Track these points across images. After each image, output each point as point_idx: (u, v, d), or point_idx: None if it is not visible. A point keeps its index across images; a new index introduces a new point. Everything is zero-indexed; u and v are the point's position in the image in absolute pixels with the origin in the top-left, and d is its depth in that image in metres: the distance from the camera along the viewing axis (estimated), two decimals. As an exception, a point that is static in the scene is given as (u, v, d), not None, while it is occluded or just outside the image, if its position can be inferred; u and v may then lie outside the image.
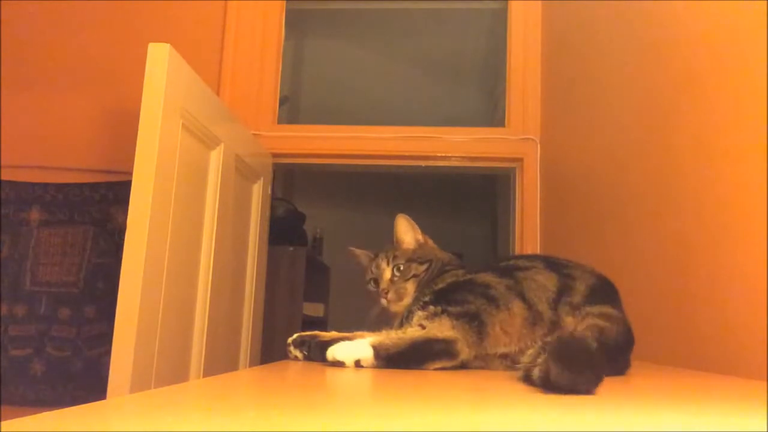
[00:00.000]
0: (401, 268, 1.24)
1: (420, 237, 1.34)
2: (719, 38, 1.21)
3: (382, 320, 1.24)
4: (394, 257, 1.27)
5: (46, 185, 2.60)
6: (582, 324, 0.94)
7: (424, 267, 1.25)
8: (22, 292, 2.51)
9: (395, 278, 1.24)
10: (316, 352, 0.99)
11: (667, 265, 1.38)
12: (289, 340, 1.06)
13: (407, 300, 1.22)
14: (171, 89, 1.71)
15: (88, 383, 2.41)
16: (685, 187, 1.31)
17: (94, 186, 2.60)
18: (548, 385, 0.64)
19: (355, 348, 0.88)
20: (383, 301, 1.24)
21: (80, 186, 2.60)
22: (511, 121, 2.69)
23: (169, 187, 1.72)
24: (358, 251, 1.39)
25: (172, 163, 1.74)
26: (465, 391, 0.72)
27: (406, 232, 1.33)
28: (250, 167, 2.39)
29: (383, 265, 1.27)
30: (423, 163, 2.77)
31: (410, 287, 1.23)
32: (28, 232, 2.57)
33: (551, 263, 1.07)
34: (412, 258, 1.26)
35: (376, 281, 1.27)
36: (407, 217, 1.34)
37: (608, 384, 0.81)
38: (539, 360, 0.68)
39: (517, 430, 0.43)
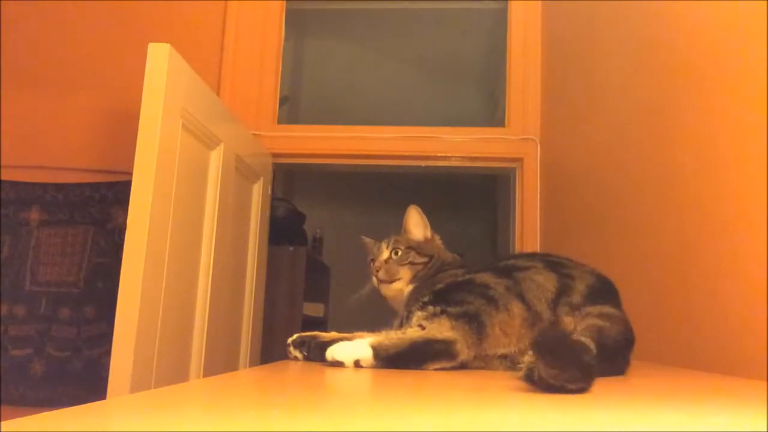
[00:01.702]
0: (399, 252, 1.27)
1: (428, 233, 1.36)
2: (719, 38, 1.21)
3: (377, 311, 1.25)
4: (396, 241, 1.30)
5: (46, 185, 2.60)
6: (581, 324, 0.94)
7: (423, 259, 1.26)
8: (22, 292, 2.51)
9: (391, 260, 1.27)
10: (316, 353, 0.99)
11: (667, 265, 1.38)
12: (289, 340, 1.06)
13: (399, 285, 1.24)
14: (171, 89, 1.71)
15: (88, 383, 2.41)
16: (685, 186, 1.31)
17: (94, 186, 2.60)
18: (538, 382, 0.64)
19: (354, 348, 0.88)
20: (374, 279, 1.27)
21: (80, 186, 2.60)
22: (511, 121, 2.69)
23: (169, 187, 1.72)
24: (367, 239, 1.41)
25: (172, 163, 1.74)
26: (465, 391, 0.72)
27: (417, 225, 1.35)
28: (250, 167, 2.39)
29: (383, 246, 1.30)
30: (423, 163, 2.77)
31: (404, 273, 1.25)
32: (28, 232, 2.57)
33: (550, 263, 1.07)
34: (414, 247, 1.28)
35: (374, 261, 1.30)
36: (420, 210, 1.35)
37: (608, 384, 0.81)
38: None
39: (517, 430, 0.43)
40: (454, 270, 1.24)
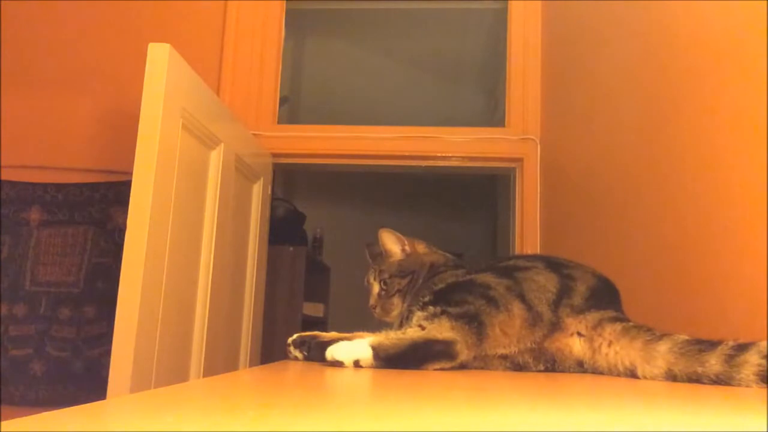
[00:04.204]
0: (387, 282, 1.30)
1: (407, 247, 1.35)
2: (719, 38, 1.21)
3: (382, 322, 1.27)
4: (380, 272, 1.32)
5: (46, 185, 2.60)
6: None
7: (405, 280, 1.28)
8: (22, 292, 2.51)
9: (382, 293, 1.30)
10: (316, 353, 0.99)
11: (667, 265, 1.38)
12: (289, 340, 1.06)
13: (396, 311, 1.28)
14: (171, 89, 1.71)
15: (88, 383, 2.41)
16: (685, 186, 1.32)
17: (94, 186, 2.60)
18: None
19: (354, 348, 0.88)
20: (374, 314, 1.30)
21: (80, 186, 2.60)
22: (511, 121, 2.69)
23: (169, 187, 1.72)
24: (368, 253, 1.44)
25: (172, 163, 1.73)
26: (465, 391, 0.72)
27: (394, 244, 1.36)
28: (250, 167, 2.39)
29: (371, 279, 1.33)
30: (423, 163, 2.77)
31: (396, 301, 1.28)
32: (28, 232, 2.57)
33: (551, 263, 1.07)
34: (396, 273, 1.30)
35: (369, 293, 1.33)
36: (391, 230, 1.36)
37: (608, 384, 0.81)
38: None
39: (517, 430, 0.43)
40: (453, 270, 1.24)
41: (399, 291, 1.28)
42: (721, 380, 0.75)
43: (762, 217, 1.01)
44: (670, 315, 1.34)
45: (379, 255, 1.36)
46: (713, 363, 0.76)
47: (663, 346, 0.82)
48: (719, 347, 0.77)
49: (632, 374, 0.86)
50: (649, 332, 0.87)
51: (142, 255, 1.57)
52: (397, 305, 1.27)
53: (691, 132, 1.30)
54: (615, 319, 0.93)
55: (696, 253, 1.25)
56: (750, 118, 1.07)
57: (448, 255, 1.36)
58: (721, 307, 1.14)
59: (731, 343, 0.77)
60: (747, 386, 0.73)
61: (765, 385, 0.72)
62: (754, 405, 0.62)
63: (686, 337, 0.82)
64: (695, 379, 0.78)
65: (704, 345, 0.79)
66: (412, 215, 4.50)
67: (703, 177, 1.24)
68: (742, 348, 0.76)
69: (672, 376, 0.80)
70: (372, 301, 1.30)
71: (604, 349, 0.91)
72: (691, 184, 1.28)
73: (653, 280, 1.44)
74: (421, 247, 1.37)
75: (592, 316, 0.94)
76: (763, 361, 0.73)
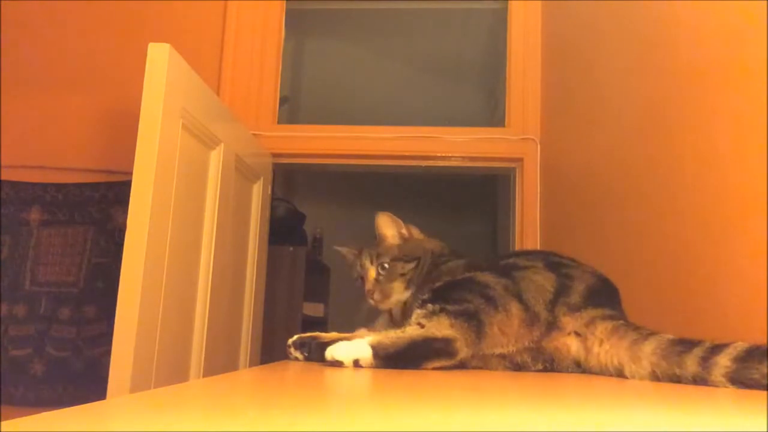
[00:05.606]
0: (386, 266, 1.23)
1: (404, 231, 1.31)
2: (719, 38, 1.21)
3: (373, 315, 1.24)
4: (378, 255, 1.25)
5: (46, 185, 2.60)
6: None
7: (411, 265, 1.23)
8: (22, 292, 2.51)
9: (380, 278, 1.23)
10: (316, 353, 0.99)
11: (667, 264, 1.38)
12: (290, 341, 1.06)
13: (395, 298, 1.22)
14: (171, 89, 1.71)
15: (88, 383, 2.41)
16: (685, 186, 1.31)
17: (94, 186, 2.60)
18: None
19: (353, 348, 0.88)
20: (370, 301, 1.24)
21: (80, 186, 2.60)
22: (511, 121, 2.69)
23: (169, 187, 1.72)
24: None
25: (172, 163, 1.74)
26: (465, 391, 0.72)
27: (390, 228, 1.30)
28: (250, 167, 2.39)
29: (367, 263, 1.25)
30: (423, 163, 2.77)
31: (397, 286, 1.22)
32: (28, 232, 2.57)
33: (551, 263, 1.07)
34: (398, 256, 1.24)
35: (363, 279, 1.26)
36: (388, 213, 1.31)
37: (608, 384, 0.81)
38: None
39: (517, 430, 0.43)
40: (452, 263, 1.22)
41: (402, 276, 1.22)
42: (697, 382, 0.75)
43: (762, 217, 1.01)
44: (670, 315, 1.34)
45: (373, 241, 1.33)
46: (689, 365, 0.76)
47: (648, 347, 0.82)
48: (695, 349, 0.77)
49: (620, 374, 0.86)
50: (637, 331, 0.87)
51: (142, 255, 1.57)
52: (398, 290, 1.22)
53: (691, 132, 1.30)
54: (606, 317, 0.93)
55: (696, 253, 1.25)
56: (750, 118, 1.07)
57: (442, 243, 1.33)
58: (721, 307, 1.14)
59: (707, 344, 0.77)
60: (724, 387, 0.72)
61: (735, 387, 0.72)
62: (754, 405, 0.62)
63: (671, 337, 0.82)
64: (676, 380, 0.77)
65: (684, 346, 0.78)
66: (412, 215, 4.49)
67: (703, 177, 1.24)
68: (715, 350, 0.75)
69: (656, 378, 0.80)
70: (369, 286, 1.23)
71: (596, 348, 0.91)
72: (691, 184, 1.28)
73: (653, 280, 1.44)
74: (416, 232, 1.34)
75: (587, 313, 0.94)
76: (733, 364, 0.72)
